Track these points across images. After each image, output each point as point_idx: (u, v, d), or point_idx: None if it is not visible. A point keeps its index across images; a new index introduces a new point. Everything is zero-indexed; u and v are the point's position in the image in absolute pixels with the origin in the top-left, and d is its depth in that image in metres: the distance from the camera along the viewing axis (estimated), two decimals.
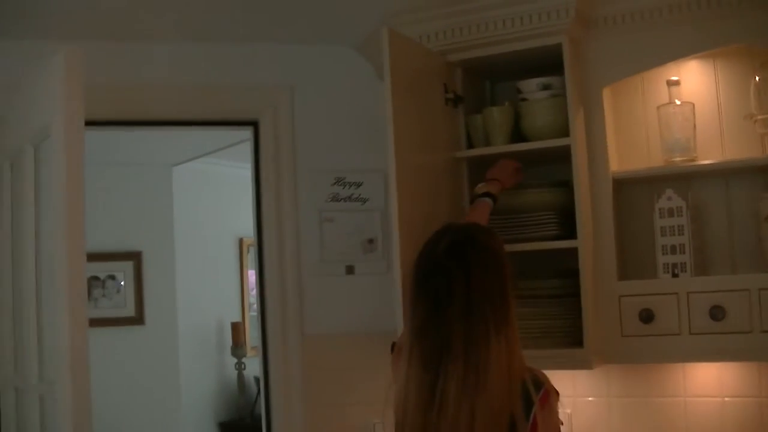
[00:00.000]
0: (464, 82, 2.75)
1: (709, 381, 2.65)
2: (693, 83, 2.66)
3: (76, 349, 2.10)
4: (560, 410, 1.87)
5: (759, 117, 2.53)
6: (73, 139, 2.14)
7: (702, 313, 2.43)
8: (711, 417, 2.63)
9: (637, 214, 2.69)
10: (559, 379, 2.72)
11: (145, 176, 5.36)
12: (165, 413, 5.26)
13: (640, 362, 2.63)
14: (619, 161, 2.69)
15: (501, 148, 2.66)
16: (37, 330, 2.46)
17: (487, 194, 2.45)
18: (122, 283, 5.35)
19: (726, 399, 2.62)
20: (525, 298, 2.55)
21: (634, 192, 2.70)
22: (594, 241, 2.57)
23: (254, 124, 3.03)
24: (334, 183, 3.00)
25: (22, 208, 2.55)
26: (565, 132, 2.55)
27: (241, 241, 6.04)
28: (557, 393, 1.81)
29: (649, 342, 2.50)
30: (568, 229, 2.56)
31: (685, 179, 2.64)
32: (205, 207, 5.68)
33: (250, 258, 5.99)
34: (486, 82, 2.93)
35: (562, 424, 1.97)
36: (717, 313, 2.41)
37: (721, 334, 2.41)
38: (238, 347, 5.81)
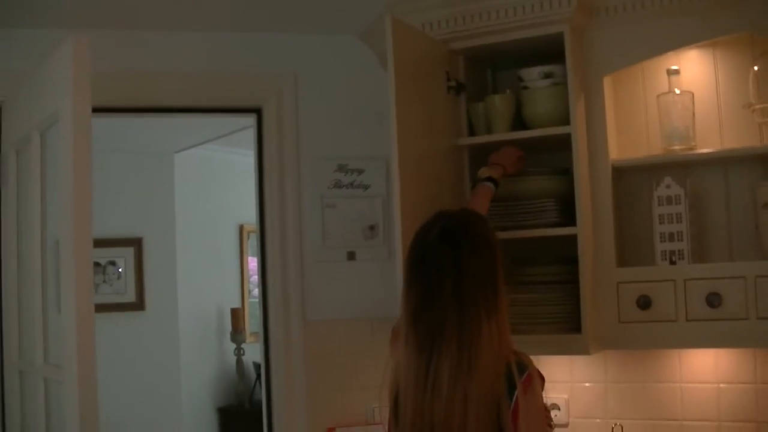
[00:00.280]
0: (466, 70, 2.76)
1: (705, 367, 2.67)
2: (692, 72, 2.67)
3: (83, 334, 2.12)
4: (547, 395, 1.88)
5: (757, 106, 2.55)
6: (82, 123, 2.15)
7: (699, 299, 2.45)
8: (707, 403, 2.66)
9: (636, 201, 2.71)
10: (556, 364, 2.78)
11: (146, 163, 5.36)
12: (164, 398, 5.29)
13: (638, 348, 2.65)
14: (619, 149, 2.71)
15: (502, 135, 2.68)
16: (43, 314, 2.48)
17: (489, 179, 2.48)
18: (122, 269, 5.36)
19: (721, 385, 2.64)
20: (524, 284, 2.58)
21: (633, 180, 2.72)
22: (593, 229, 2.59)
23: (257, 112, 3.04)
24: (336, 170, 3.02)
25: (28, 194, 2.57)
26: (565, 120, 2.57)
27: (241, 227, 6.05)
28: (542, 377, 1.82)
29: (646, 328, 2.52)
30: (568, 217, 2.58)
31: (684, 167, 2.66)
32: (206, 194, 5.69)
33: (251, 245, 6.02)
34: (488, 70, 2.94)
35: (548, 409, 1.99)
36: (714, 299, 2.43)
37: (717, 320, 2.43)
38: (237, 333, 5.83)
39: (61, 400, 2.23)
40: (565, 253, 2.59)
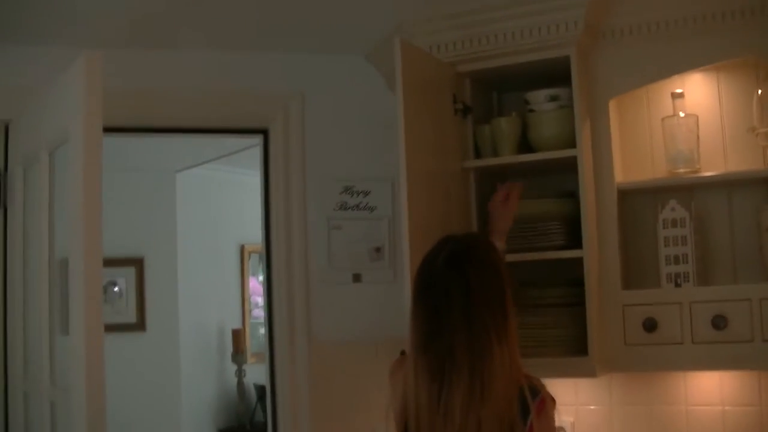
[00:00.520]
0: (472, 93, 2.77)
1: (710, 390, 2.67)
2: (697, 96, 2.69)
3: (92, 355, 2.10)
4: (557, 417, 1.89)
5: (761, 130, 2.56)
6: (93, 142, 2.13)
7: (704, 322, 2.46)
8: (712, 425, 2.65)
9: (641, 224, 2.72)
10: (561, 387, 2.77)
11: (148, 182, 5.37)
12: (165, 419, 5.26)
13: (644, 371, 2.65)
14: (624, 172, 2.72)
15: (508, 158, 2.69)
16: (49, 336, 2.47)
17: None
18: (123, 289, 5.33)
19: (727, 408, 2.64)
20: (531, 306, 2.58)
21: (638, 202, 2.73)
22: (599, 251, 2.60)
23: (264, 132, 3.05)
24: (343, 191, 3.03)
25: (35, 213, 2.56)
26: (571, 143, 2.58)
27: (242, 247, 6.04)
28: (554, 400, 1.83)
29: (652, 351, 2.52)
30: (574, 239, 2.59)
31: (689, 190, 2.68)
32: (207, 213, 5.69)
33: (252, 265, 6.01)
34: (493, 92, 2.95)
35: (561, 431, 1.98)
36: (719, 322, 2.44)
37: (722, 343, 2.44)
38: (238, 354, 5.81)
39: (68, 422, 2.21)
40: (571, 276, 2.60)
